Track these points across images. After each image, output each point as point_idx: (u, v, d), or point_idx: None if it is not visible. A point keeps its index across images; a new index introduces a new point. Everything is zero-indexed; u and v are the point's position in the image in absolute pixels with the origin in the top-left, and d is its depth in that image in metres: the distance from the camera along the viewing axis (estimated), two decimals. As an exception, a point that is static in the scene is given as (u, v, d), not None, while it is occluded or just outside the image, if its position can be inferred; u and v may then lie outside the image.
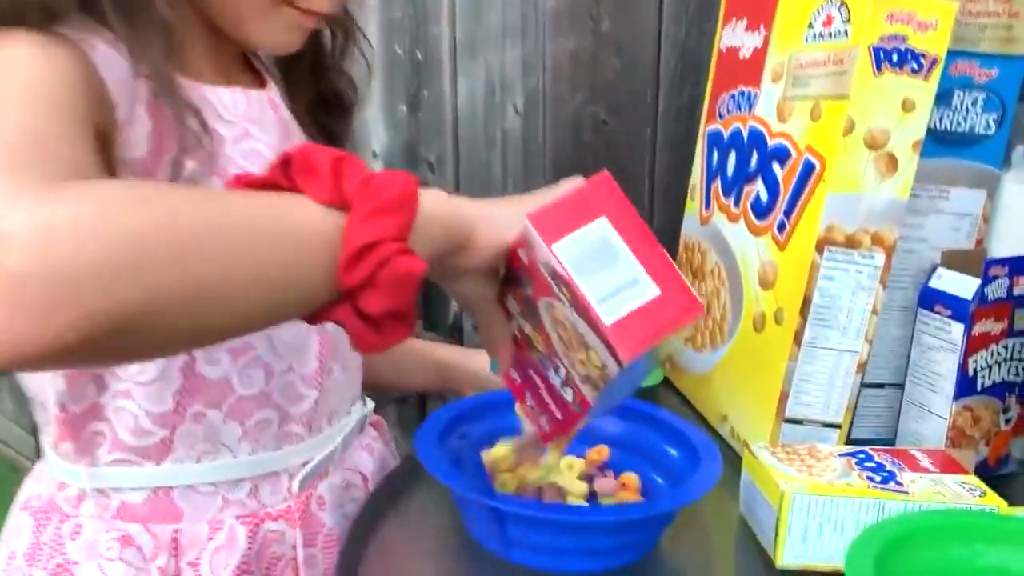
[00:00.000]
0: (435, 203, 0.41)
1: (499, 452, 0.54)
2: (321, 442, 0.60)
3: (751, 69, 0.64)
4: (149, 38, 0.47)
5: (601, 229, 0.40)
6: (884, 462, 0.55)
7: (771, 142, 0.62)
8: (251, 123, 0.55)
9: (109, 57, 0.46)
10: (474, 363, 0.76)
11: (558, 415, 0.46)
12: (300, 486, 0.58)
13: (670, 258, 0.42)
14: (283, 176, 0.38)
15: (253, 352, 0.55)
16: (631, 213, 0.41)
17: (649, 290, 0.40)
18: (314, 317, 0.39)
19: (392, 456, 0.71)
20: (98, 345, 0.33)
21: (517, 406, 0.50)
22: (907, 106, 0.57)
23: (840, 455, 0.55)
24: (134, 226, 0.33)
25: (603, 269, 0.40)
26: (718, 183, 0.67)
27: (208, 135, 0.49)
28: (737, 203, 0.64)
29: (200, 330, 0.36)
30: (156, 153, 0.48)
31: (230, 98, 0.54)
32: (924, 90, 0.57)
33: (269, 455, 0.57)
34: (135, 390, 0.52)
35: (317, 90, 0.65)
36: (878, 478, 0.52)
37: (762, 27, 0.63)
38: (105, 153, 0.46)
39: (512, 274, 0.44)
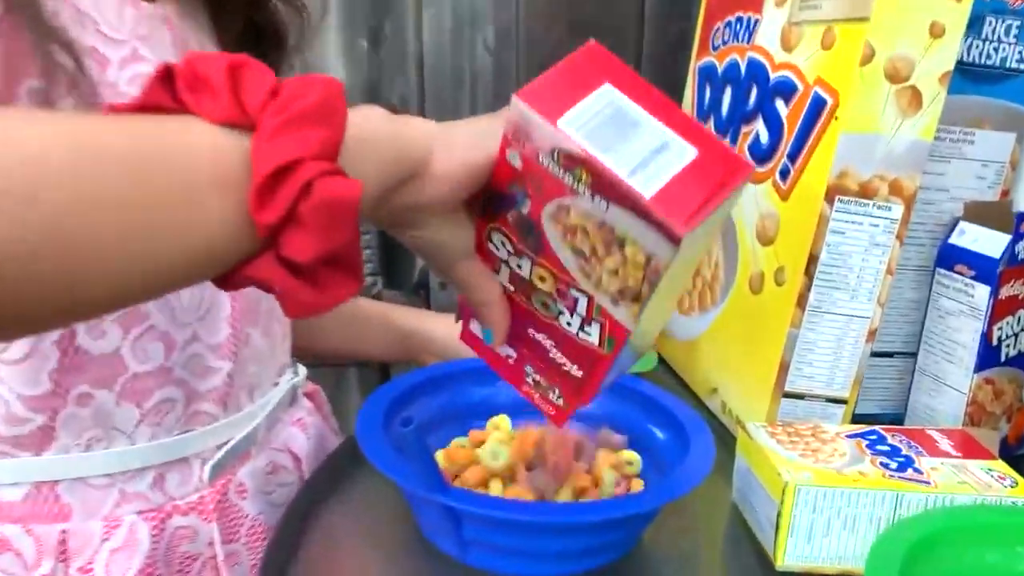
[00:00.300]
0: (372, 120, 0.32)
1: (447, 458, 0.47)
2: (240, 421, 0.51)
3: (753, -11, 0.56)
4: None
5: (609, 96, 0.33)
6: (899, 445, 0.48)
7: (774, 75, 0.54)
8: (141, 42, 0.46)
9: None
10: (435, 328, 0.67)
11: (576, 372, 0.38)
12: (212, 473, 0.49)
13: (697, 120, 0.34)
14: (167, 96, 0.29)
15: (147, 320, 0.45)
16: (636, 77, 0.34)
17: (684, 152, 0.32)
18: (228, 280, 0.30)
19: (333, 432, 0.62)
20: None
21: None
22: (936, 31, 0.49)
23: (849, 436, 0.48)
24: None
25: (624, 139, 0.32)
26: (711, 124, 0.59)
27: (84, 74, 0.40)
28: (733, 144, 0.56)
29: (64, 302, 0.27)
30: (9, 82, 0.39)
31: (115, 9, 0.45)
32: (957, 12, 0.48)
33: (175, 439, 0.48)
34: (2, 370, 0.43)
35: (250, 20, 0.55)
36: (894, 464, 0.45)
37: (767, -62, 0.55)
38: None
39: (493, 202, 0.35)
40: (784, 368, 0.53)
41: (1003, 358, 0.55)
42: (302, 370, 0.60)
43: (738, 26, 0.57)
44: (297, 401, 0.58)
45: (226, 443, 0.50)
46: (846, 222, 0.51)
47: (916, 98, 0.49)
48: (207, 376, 0.49)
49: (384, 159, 0.32)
